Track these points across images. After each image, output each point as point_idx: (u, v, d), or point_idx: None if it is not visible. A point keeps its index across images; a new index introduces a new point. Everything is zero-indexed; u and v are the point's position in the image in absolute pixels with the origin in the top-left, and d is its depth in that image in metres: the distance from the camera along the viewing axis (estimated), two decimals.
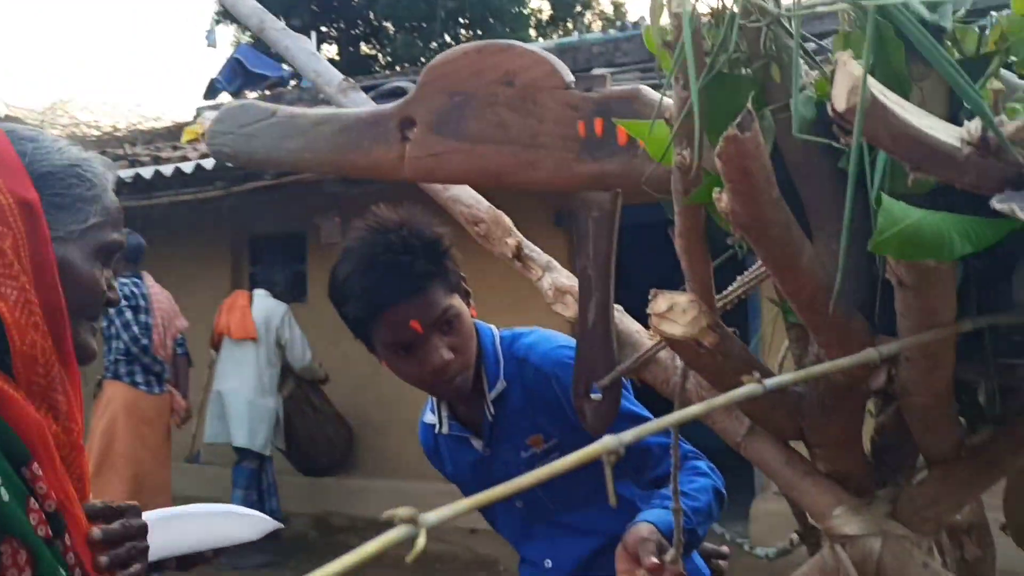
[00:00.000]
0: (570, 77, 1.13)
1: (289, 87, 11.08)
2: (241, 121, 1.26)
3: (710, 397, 1.12)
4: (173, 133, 10.55)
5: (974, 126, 0.59)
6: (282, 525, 1.40)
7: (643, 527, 1.38)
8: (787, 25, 0.78)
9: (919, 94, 0.76)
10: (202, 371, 6.49)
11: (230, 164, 1.29)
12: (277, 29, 1.45)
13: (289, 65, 1.51)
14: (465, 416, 1.69)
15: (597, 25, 20.91)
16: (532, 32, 21.34)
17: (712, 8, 0.83)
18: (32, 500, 0.91)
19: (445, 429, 1.69)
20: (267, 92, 11.23)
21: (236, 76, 11.70)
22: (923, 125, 0.57)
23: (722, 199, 0.75)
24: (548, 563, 1.70)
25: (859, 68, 0.53)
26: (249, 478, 5.74)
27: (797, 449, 1.14)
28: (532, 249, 1.28)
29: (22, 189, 0.99)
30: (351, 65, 18.85)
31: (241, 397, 5.87)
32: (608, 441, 0.47)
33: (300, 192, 6.06)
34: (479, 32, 20.53)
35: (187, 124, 10.15)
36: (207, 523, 1.36)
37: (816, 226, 0.87)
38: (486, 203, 1.31)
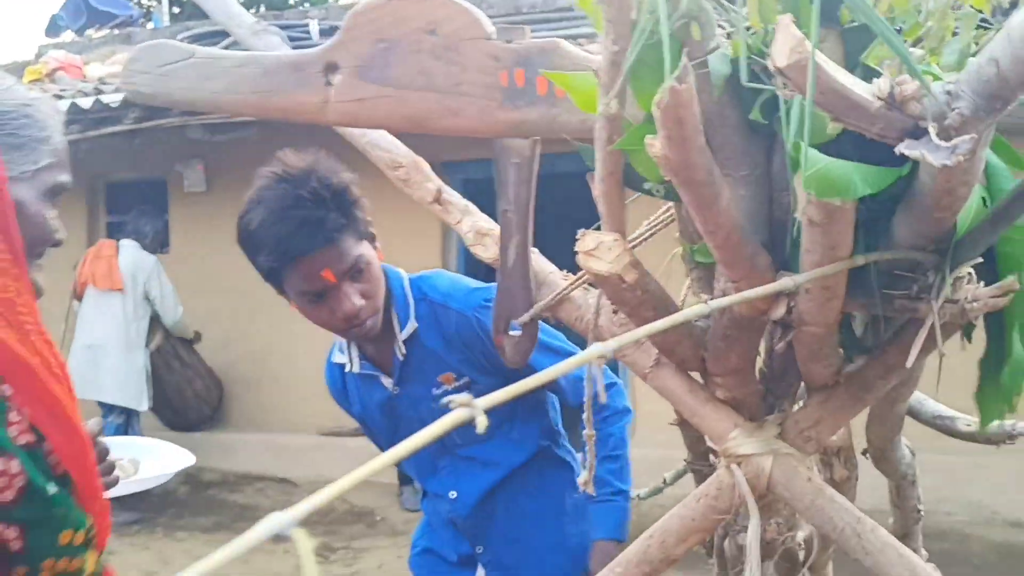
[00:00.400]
0: (491, 28, 1.18)
1: (140, 27, 10.55)
2: (159, 61, 1.25)
3: (621, 331, 1.22)
4: (12, 72, 9.87)
5: (883, 83, 0.68)
6: (194, 459, 1.43)
7: (603, 550, 1.65)
8: None
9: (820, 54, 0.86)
10: (58, 324, 6.22)
11: (156, 105, 1.28)
12: None
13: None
14: (374, 355, 1.74)
15: None
16: None
17: None
18: (12, 413, 0.94)
19: (356, 368, 1.74)
20: (115, 31, 10.65)
21: (80, 13, 11.02)
22: (845, 81, 0.66)
23: (655, 145, 0.83)
24: (453, 494, 1.79)
25: (797, 31, 0.61)
26: (115, 434, 5.56)
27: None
28: (451, 193, 1.33)
29: None
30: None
31: (108, 350, 5.67)
32: (596, 348, 0.54)
33: (162, 138, 5.85)
34: None
35: (28, 63, 9.53)
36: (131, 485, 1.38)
37: (725, 173, 0.96)
38: (404, 148, 1.35)
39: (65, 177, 1.10)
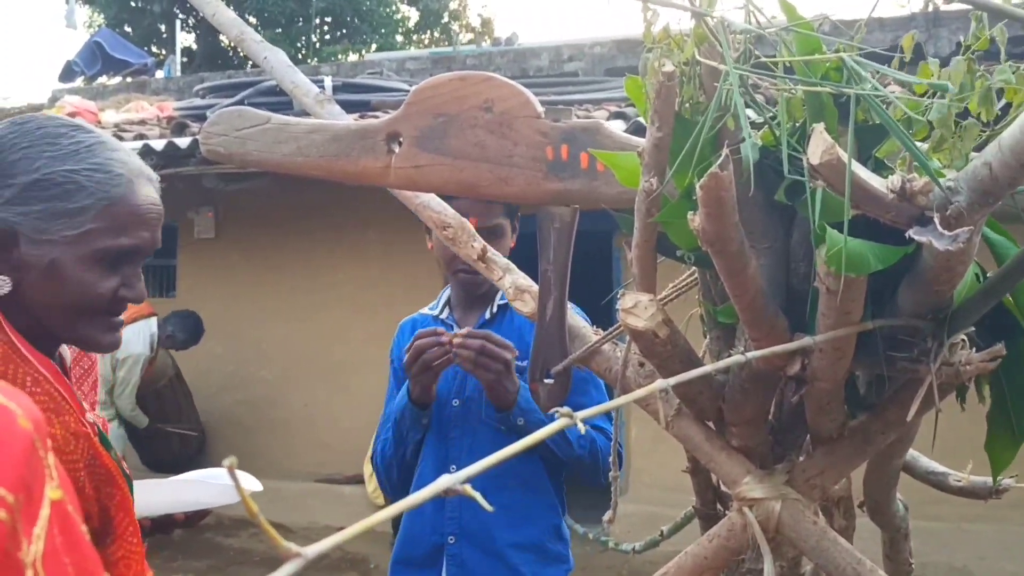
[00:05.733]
0: (541, 108, 1.33)
1: (155, 76, 10.80)
2: (237, 125, 1.39)
3: (646, 382, 1.34)
4: None
5: (896, 179, 0.82)
6: (260, 487, 1.52)
7: None
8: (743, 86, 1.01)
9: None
10: None
11: (232, 165, 1.41)
12: (256, 41, 1.57)
13: (262, 73, 1.63)
14: (460, 319, 2.10)
15: (464, 37, 21.25)
16: (399, 38, 21.44)
17: (683, 71, 1.05)
18: None
19: (442, 314, 2.10)
20: (129, 79, 10.90)
21: (96, 60, 11.31)
22: (866, 176, 0.79)
23: (695, 220, 0.96)
24: (453, 468, 1.98)
25: (828, 137, 0.75)
26: None
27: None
28: (494, 253, 1.47)
29: None
30: (209, 56, 18.40)
31: None
32: (660, 383, 0.66)
33: (177, 185, 6.00)
34: (344, 32, 20.46)
35: (42, 107, 9.73)
36: (178, 487, 1.47)
37: (750, 244, 1.10)
38: (453, 211, 1.49)
39: (125, 240, 1.20)
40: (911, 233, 0.79)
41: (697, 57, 0.93)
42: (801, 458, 1.40)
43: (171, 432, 6.31)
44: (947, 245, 0.75)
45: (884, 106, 0.85)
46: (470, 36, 21.27)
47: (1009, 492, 1.57)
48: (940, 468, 1.63)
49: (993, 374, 1.12)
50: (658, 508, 4.88)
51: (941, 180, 0.84)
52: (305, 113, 1.66)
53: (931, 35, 6.66)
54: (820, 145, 0.75)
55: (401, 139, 1.36)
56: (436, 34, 21.75)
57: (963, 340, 1.06)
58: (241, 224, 6.76)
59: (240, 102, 6.55)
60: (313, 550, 0.51)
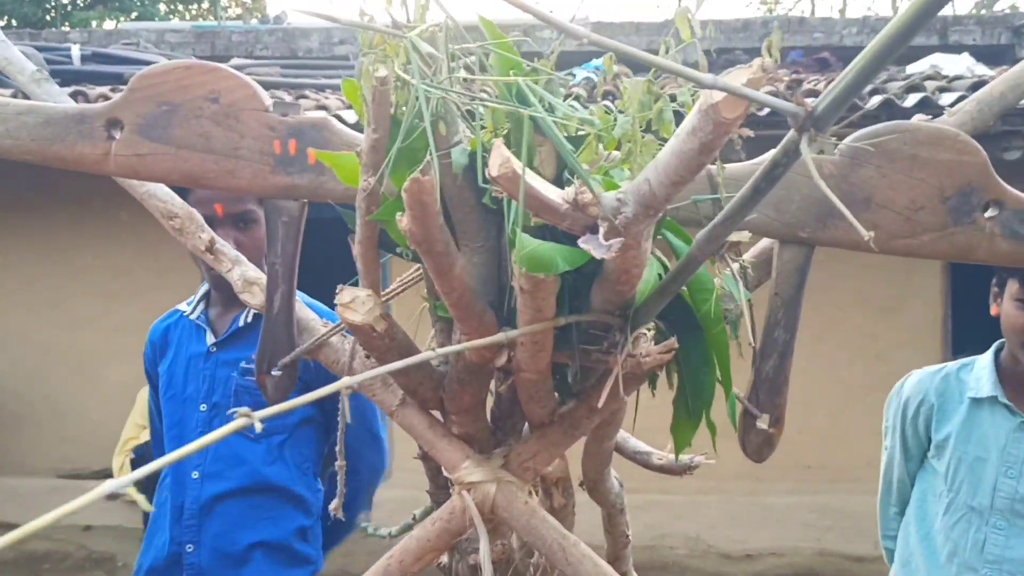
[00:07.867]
0: (269, 101, 1.33)
1: None
2: None
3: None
4: None
5: (570, 191, 0.91)
6: None
7: None
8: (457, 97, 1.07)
9: (539, 156, 1.09)
10: None
11: None
12: None
13: None
14: (214, 319, 2.03)
15: (234, 11, 20.40)
16: (162, 7, 20.25)
17: (398, 75, 1.10)
18: None
19: (195, 315, 2.03)
20: None
21: None
22: (542, 187, 0.87)
23: (403, 220, 1.01)
24: (196, 475, 1.97)
25: (506, 151, 0.82)
26: None
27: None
28: (223, 244, 1.46)
29: None
30: None
31: None
32: (346, 380, 0.70)
33: None
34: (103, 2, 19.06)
35: None
36: None
37: (462, 243, 1.16)
38: (180, 200, 1.46)
39: None
40: (580, 242, 0.88)
41: (397, 72, 0.98)
42: (522, 440, 1.50)
43: None
44: (603, 253, 0.84)
45: (567, 121, 0.93)
46: (240, 11, 20.42)
47: (736, 467, 1.75)
48: (645, 448, 1.79)
49: (676, 363, 1.25)
50: (419, 493, 4.96)
51: (614, 192, 0.94)
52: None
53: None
54: (497, 159, 0.82)
55: (122, 126, 1.32)
56: (203, 6, 20.71)
57: (646, 333, 1.18)
58: None
59: None
60: None
